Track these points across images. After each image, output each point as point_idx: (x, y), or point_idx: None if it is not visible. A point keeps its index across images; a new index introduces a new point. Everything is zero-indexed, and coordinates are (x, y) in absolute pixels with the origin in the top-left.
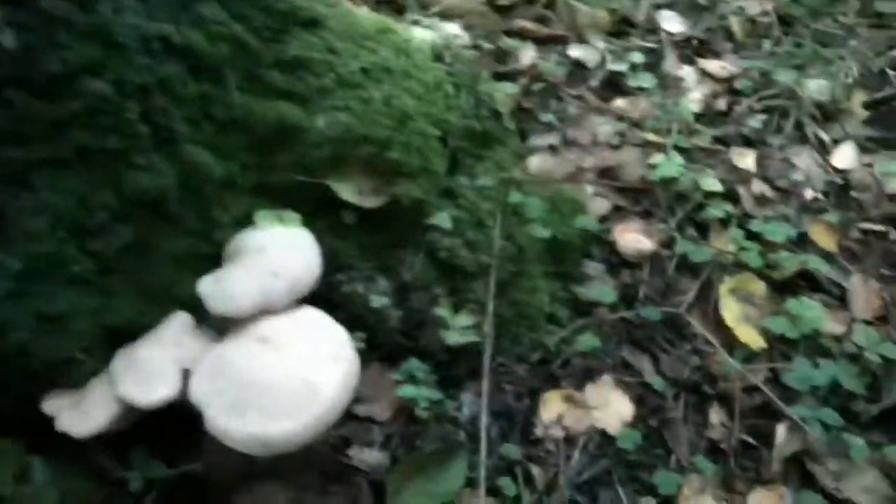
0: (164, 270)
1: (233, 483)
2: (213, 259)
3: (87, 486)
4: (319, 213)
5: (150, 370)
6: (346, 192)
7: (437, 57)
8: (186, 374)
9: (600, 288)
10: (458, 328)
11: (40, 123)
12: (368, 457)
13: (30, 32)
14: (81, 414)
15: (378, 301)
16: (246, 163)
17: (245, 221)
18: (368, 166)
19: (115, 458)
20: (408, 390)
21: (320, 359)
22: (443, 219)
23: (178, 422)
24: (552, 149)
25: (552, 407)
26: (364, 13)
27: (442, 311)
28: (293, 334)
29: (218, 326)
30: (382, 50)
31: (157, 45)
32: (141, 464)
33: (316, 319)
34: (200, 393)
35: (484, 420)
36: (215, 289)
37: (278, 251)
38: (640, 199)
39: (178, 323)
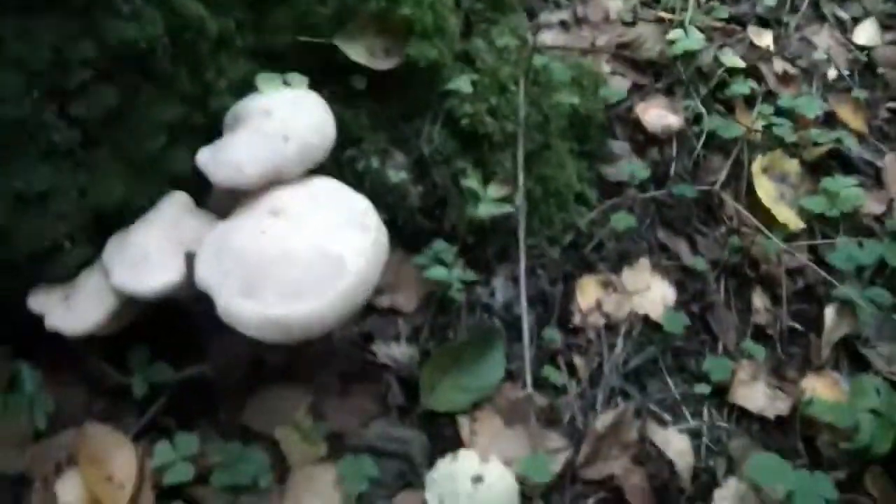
0: (155, 141)
1: (245, 386)
2: (210, 132)
3: (82, 394)
4: (325, 79)
5: (146, 255)
6: (356, 52)
7: None
8: (189, 258)
9: (630, 165)
10: (490, 200)
11: None
12: (395, 352)
13: None
14: (73, 310)
15: (396, 176)
16: (242, 20)
17: (243, 88)
18: (378, 23)
19: (113, 363)
20: (437, 271)
21: (342, 229)
22: (463, 83)
23: (181, 317)
24: (563, 25)
25: (589, 293)
26: None
27: (470, 182)
28: (309, 204)
29: (220, 206)
30: None
31: None
32: (143, 367)
33: (333, 188)
34: (207, 276)
35: (524, 304)
36: (217, 157)
37: (286, 113)
38: (661, 75)
39: (176, 202)
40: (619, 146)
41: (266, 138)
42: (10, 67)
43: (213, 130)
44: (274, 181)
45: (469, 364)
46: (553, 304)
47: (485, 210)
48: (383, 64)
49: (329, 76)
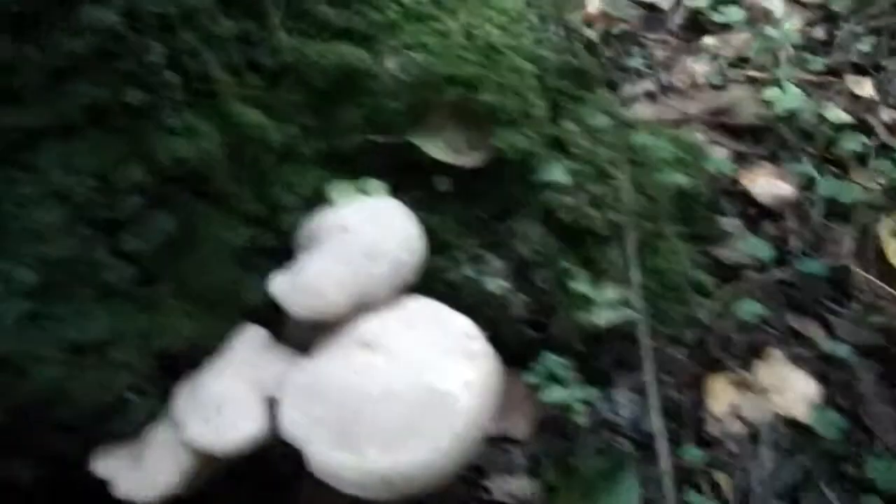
0: (222, 270)
1: None
2: (281, 255)
3: None
4: (403, 182)
5: (223, 404)
6: (435, 149)
7: None
8: (272, 405)
9: (750, 244)
10: (605, 303)
11: (34, 75)
12: (512, 487)
13: None
14: (143, 473)
15: (495, 285)
16: (306, 125)
17: (315, 201)
18: (457, 114)
19: None
20: (555, 393)
21: (446, 358)
22: (559, 172)
23: (267, 470)
24: (650, 96)
25: (721, 395)
26: None
27: (579, 284)
28: (403, 332)
29: (300, 338)
30: None
31: None
32: None
33: (429, 309)
34: (295, 424)
35: (657, 421)
36: (294, 285)
37: (367, 228)
38: (761, 140)
39: (250, 339)
40: (730, 223)
41: (348, 258)
42: (52, 201)
43: (284, 252)
44: (361, 307)
45: (600, 495)
46: (684, 413)
47: (601, 316)
48: (468, 160)
49: (407, 179)
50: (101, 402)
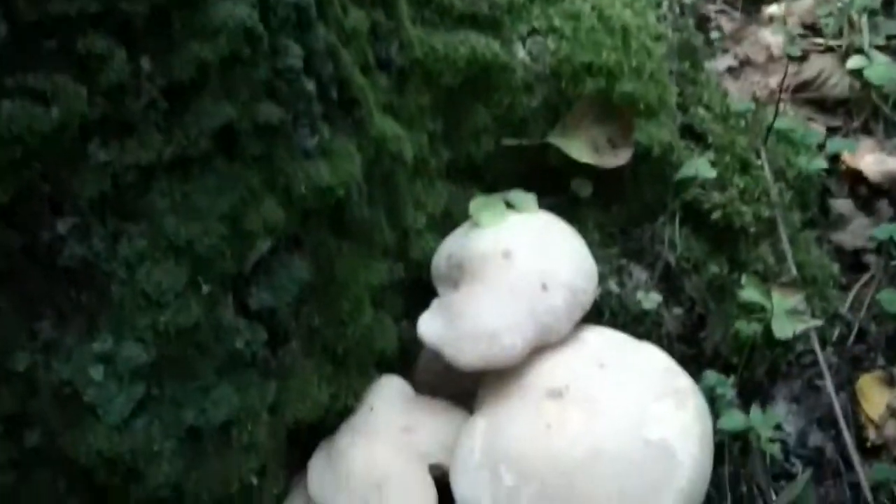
0: (360, 317)
1: None
2: (415, 289)
3: None
4: (539, 189)
5: (383, 483)
6: (577, 150)
7: None
8: (439, 473)
9: (885, 229)
10: (784, 313)
11: (148, 94)
12: None
13: None
14: None
15: (647, 301)
16: (433, 131)
17: (443, 223)
18: (597, 109)
19: None
20: (732, 419)
21: (651, 401)
22: (702, 166)
23: None
24: (731, 71)
25: (873, 397)
26: None
27: (749, 292)
28: (596, 375)
29: (432, 385)
30: None
31: None
32: None
33: (615, 342)
34: (480, 497)
35: (849, 437)
36: (457, 330)
37: (534, 252)
38: (852, 112)
39: (393, 395)
40: (842, 205)
41: (519, 292)
42: (168, 256)
43: (417, 286)
44: (539, 348)
45: None
46: (842, 420)
47: (783, 328)
48: (612, 159)
49: (540, 185)
50: (224, 494)
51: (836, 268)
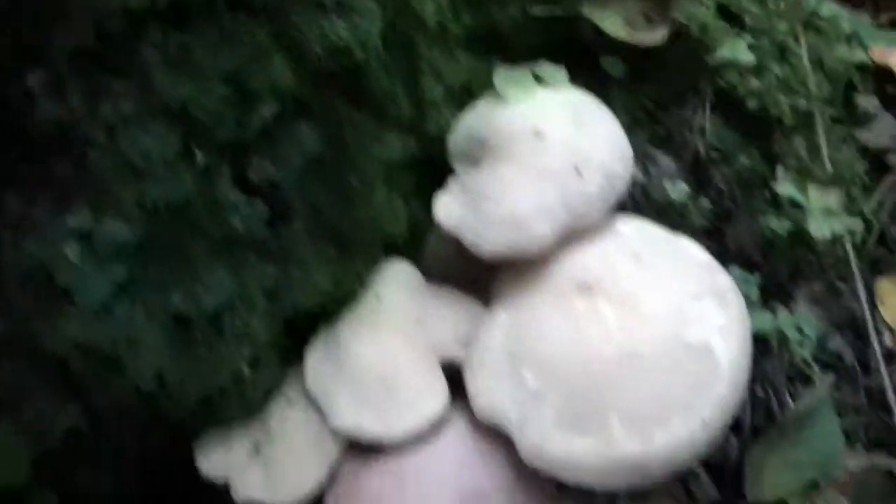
0: (373, 196)
1: None
2: (427, 167)
3: None
4: (568, 66)
5: (390, 377)
6: (611, 24)
7: None
8: (452, 371)
9: None
10: (821, 211)
11: None
12: None
13: None
14: (274, 471)
15: (674, 191)
16: None
17: (464, 97)
18: None
19: None
20: (762, 320)
21: (691, 300)
22: (740, 50)
23: None
24: None
25: (891, 302)
26: None
27: (786, 188)
28: (631, 268)
29: (444, 272)
30: None
31: None
32: None
33: (651, 235)
34: (499, 401)
35: (876, 341)
36: (481, 213)
37: (568, 132)
38: (881, 7)
39: (403, 283)
40: (868, 102)
41: (550, 176)
42: (159, 119)
43: (432, 164)
44: (568, 235)
45: (797, 437)
46: (871, 323)
47: (820, 227)
48: (648, 37)
49: (572, 59)
50: (214, 386)
51: (861, 167)
